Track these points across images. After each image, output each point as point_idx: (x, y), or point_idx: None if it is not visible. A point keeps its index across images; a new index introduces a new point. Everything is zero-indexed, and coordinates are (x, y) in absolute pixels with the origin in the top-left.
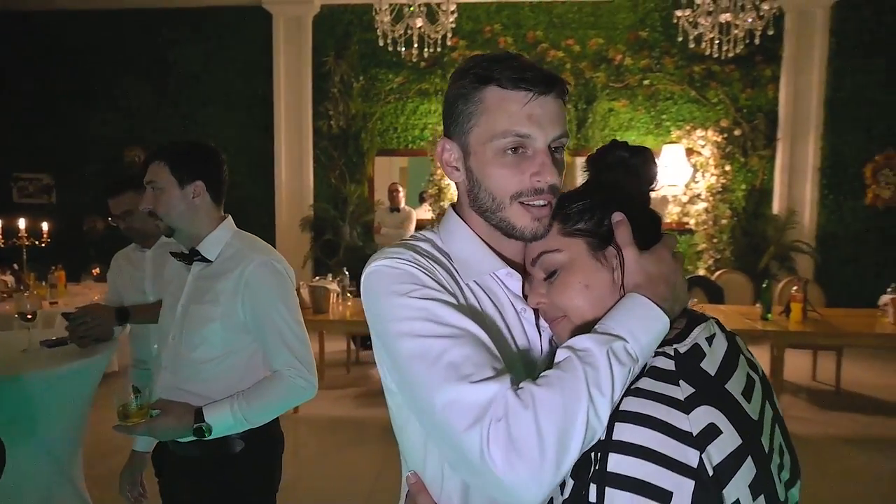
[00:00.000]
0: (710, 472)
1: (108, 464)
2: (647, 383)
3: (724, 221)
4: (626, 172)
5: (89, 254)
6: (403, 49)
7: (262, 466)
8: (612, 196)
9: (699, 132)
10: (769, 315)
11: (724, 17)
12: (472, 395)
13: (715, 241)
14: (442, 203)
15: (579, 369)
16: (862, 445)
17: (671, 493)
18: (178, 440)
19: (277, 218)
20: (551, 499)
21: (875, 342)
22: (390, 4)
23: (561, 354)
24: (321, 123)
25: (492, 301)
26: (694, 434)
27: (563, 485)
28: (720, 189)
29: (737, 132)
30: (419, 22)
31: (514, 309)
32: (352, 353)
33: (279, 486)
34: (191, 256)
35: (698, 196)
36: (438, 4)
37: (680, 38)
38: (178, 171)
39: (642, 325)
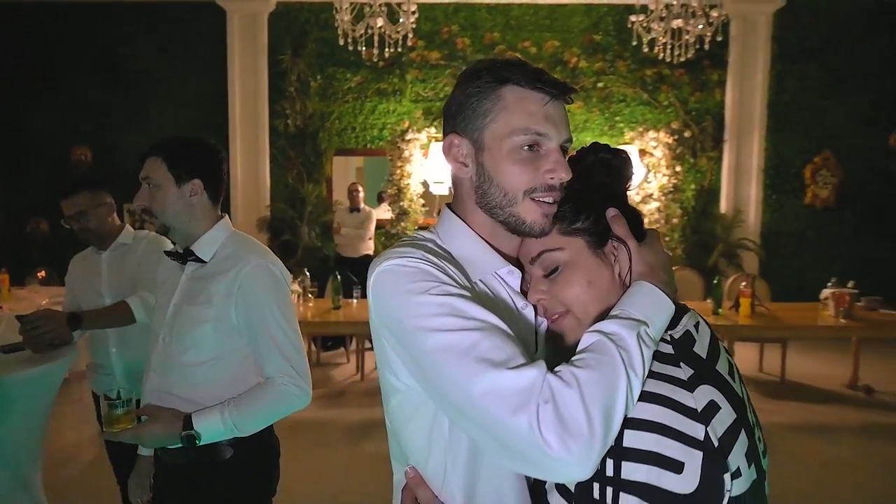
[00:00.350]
0: (716, 444)
1: (68, 471)
2: (654, 366)
3: (675, 220)
4: (608, 173)
5: (33, 256)
6: (364, 49)
7: (254, 473)
8: (602, 195)
9: (651, 134)
10: (720, 310)
11: (676, 23)
12: (511, 381)
13: (667, 239)
14: (402, 203)
15: (615, 352)
16: (806, 432)
17: (683, 464)
18: (166, 447)
19: (233, 218)
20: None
21: (817, 334)
22: (350, 3)
23: (590, 338)
24: (278, 122)
25: (498, 298)
26: (699, 410)
27: None
28: (671, 189)
29: (687, 134)
30: (380, 21)
31: (515, 305)
32: (312, 354)
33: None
34: (185, 256)
35: (651, 196)
36: (399, 4)
37: (634, 43)
38: (175, 168)
39: (655, 311)
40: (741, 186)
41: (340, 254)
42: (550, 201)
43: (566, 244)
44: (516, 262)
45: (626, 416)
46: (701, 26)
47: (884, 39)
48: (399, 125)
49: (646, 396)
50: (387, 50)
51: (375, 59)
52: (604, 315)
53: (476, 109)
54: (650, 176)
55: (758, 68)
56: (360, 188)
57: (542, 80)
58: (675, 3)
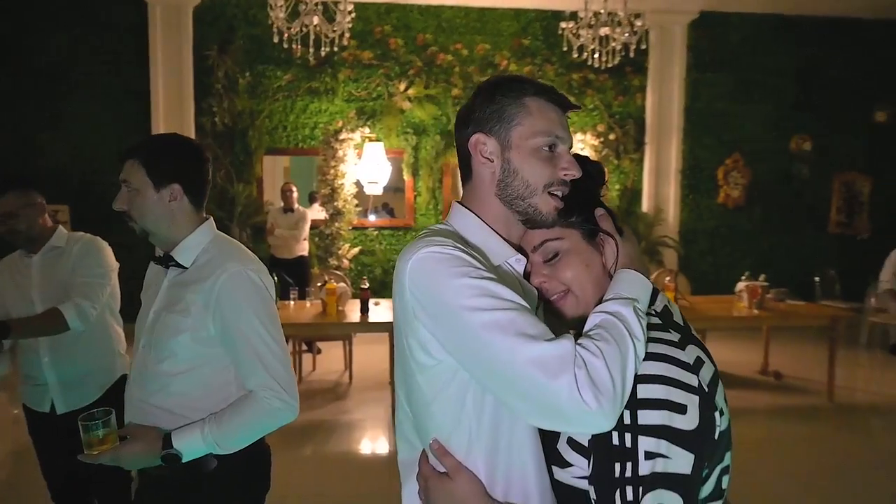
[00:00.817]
0: (706, 389)
1: None
2: (651, 333)
3: None
4: (589, 180)
5: None
6: (300, 47)
7: (241, 485)
8: (589, 197)
9: (579, 136)
10: None
11: (604, 31)
12: (551, 350)
13: None
14: (336, 203)
15: (621, 326)
16: None
17: (686, 406)
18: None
19: None
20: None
21: (733, 325)
22: (285, 0)
23: (598, 317)
24: (205, 120)
25: (512, 281)
26: (691, 364)
27: None
28: None
29: (611, 136)
30: (315, 20)
31: (523, 288)
32: None
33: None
34: (166, 261)
35: None
36: (336, 3)
37: (565, 48)
38: (153, 172)
39: (641, 291)
40: (661, 187)
41: (274, 255)
42: (561, 195)
43: (565, 234)
44: (519, 251)
45: (635, 373)
46: (626, 34)
47: (786, 52)
48: (332, 125)
49: (650, 356)
50: (323, 49)
51: (309, 58)
52: (597, 294)
53: (503, 113)
54: None
55: (674, 76)
56: (294, 188)
57: (556, 94)
58: (602, 11)
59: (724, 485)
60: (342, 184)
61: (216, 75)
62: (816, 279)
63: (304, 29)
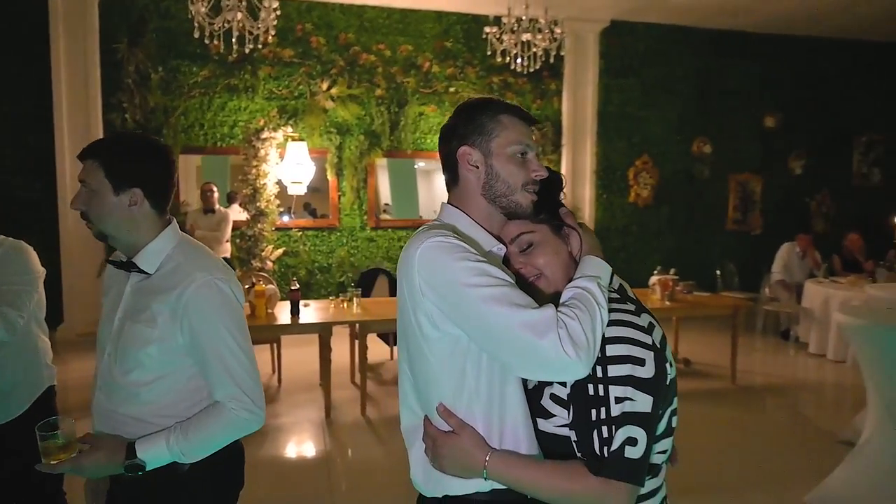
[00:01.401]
0: (659, 346)
1: None
2: (613, 305)
3: None
4: (553, 186)
5: None
6: (220, 43)
7: (215, 485)
8: (553, 198)
9: None
10: None
11: (526, 37)
12: (539, 316)
13: None
14: (258, 204)
15: (589, 297)
16: None
17: (645, 360)
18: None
19: (61, 224)
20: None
21: None
22: None
23: (571, 292)
24: (114, 116)
25: (499, 265)
26: (645, 327)
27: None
28: None
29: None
30: (239, 16)
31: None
32: None
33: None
34: (128, 266)
35: None
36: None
37: (489, 52)
38: (113, 175)
39: (602, 271)
40: (578, 187)
41: None
42: (533, 192)
43: (537, 228)
44: (500, 241)
45: (602, 333)
46: (548, 42)
47: (687, 61)
48: (253, 123)
49: (615, 322)
50: (247, 46)
51: (231, 54)
52: (565, 277)
53: (483, 128)
54: None
55: (588, 81)
56: (215, 188)
57: (522, 111)
58: (524, 18)
59: (674, 424)
60: (265, 184)
61: (126, 69)
62: (718, 272)
63: (227, 25)
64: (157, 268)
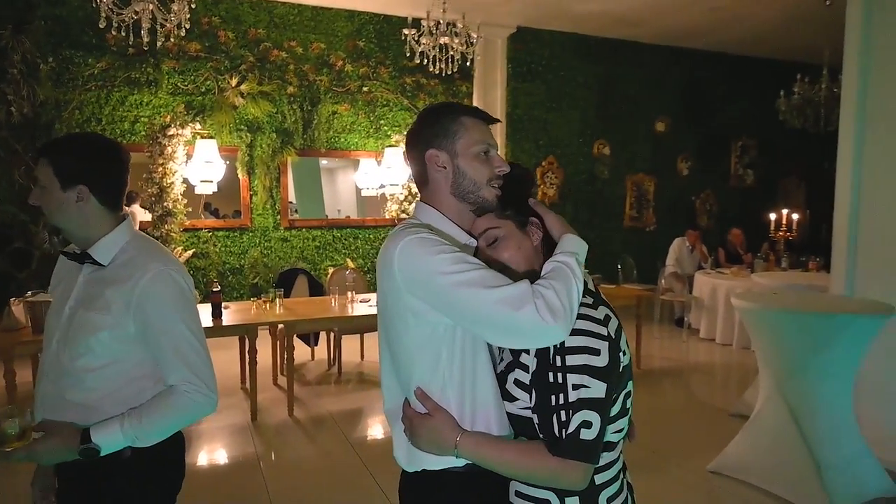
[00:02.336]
0: (614, 337)
1: None
2: None
3: None
4: (516, 181)
5: None
6: (132, 35)
7: (157, 472)
8: (518, 195)
9: None
10: None
11: (443, 40)
12: (513, 291)
13: None
14: (165, 204)
15: (566, 269)
16: None
17: (600, 350)
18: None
19: None
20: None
21: None
22: None
23: (549, 265)
24: None
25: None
26: (601, 319)
27: (528, 366)
28: None
29: None
30: (150, 6)
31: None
32: None
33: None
34: (82, 258)
35: (416, 194)
36: None
37: (407, 54)
38: (59, 172)
39: (580, 248)
40: None
41: None
42: (497, 187)
43: (502, 224)
44: (471, 235)
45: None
46: (465, 46)
47: (587, 67)
48: (157, 119)
49: (577, 316)
50: (158, 39)
51: (145, 47)
52: (527, 268)
53: (447, 131)
54: None
55: (497, 84)
56: None
57: (481, 112)
58: (441, 21)
59: (628, 405)
60: (171, 182)
61: (11, 59)
62: (619, 266)
63: (135, 16)
64: (110, 259)
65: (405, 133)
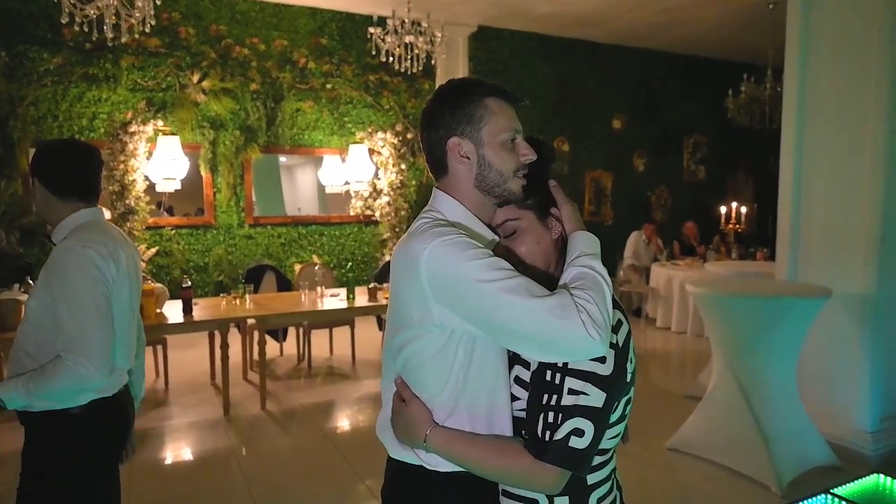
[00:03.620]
0: (621, 346)
1: None
2: None
3: (402, 213)
4: (539, 160)
5: None
6: (95, 31)
7: (103, 433)
8: (540, 178)
9: (379, 134)
10: None
11: (408, 39)
12: (557, 302)
13: (397, 230)
14: (127, 201)
15: (596, 275)
16: None
17: (606, 357)
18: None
19: None
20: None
21: None
22: None
23: (575, 270)
24: None
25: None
26: (613, 325)
27: (524, 365)
28: (399, 185)
29: (409, 135)
30: (113, 2)
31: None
32: None
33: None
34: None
35: (381, 191)
36: None
37: (373, 52)
38: (31, 171)
39: (596, 247)
40: None
41: None
42: (524, 176)
43: (522, 215)
44: (493, 230)
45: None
46: (429, 46)
47: (546, 66)
48: (118, 115)
49: None
50: (123, 35)
51: (110, 43)
52: (545, 263)
53: (472, 117)
54: (380, 173)
55: None
56: None
57: (507, 92)
58: (407, 20)
59: (627, 411)
60: (133, 180)
61: None
62: None
63: (98, 11)
64: (61, 240)
65: (369, 130)
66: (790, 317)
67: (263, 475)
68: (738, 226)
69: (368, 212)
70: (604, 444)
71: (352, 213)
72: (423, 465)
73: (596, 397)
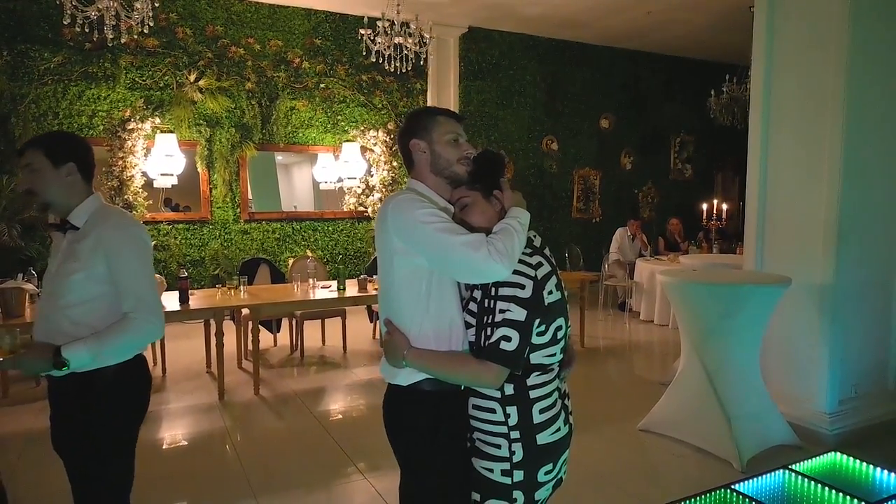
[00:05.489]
0: (538, 278)
1: None
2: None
3: None
4: (488, 163)
5: None
6: (96, 32)
7: (130, 393)
8: (493, 171)
9: (372, 133)
10: None
11: (398, 40)
12: (473, 238)
13: None
14: (125, 197)
15: (510, 228)
16: None
17: (525, 285)
18: (55, 375)
19: None
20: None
21: None
22: None
23: (499, 226)
24: None
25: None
26: (533, 264)
27: (474, 300)
28: (390, 181)
29: None
30: (114, 4)
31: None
32: None
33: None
34: (63, 226)
35: (373, 188)
36: None
37: (363, 53)
38: (51, 155)
39: (522, 216)
40: None
41: None
42: (466, 164)
43: (471, 194)
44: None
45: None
46: (419, 47)
47: (535, 67)
48: (116, 113)
49: None
50: (123, 37)
51: (109, 43)
52: (490, 227)
53: (426, 125)
54: (372, 170)
55: (450, 82)
56: None
57: (452, 112)
58: (396, 22)
59: (559, 336)
60: (132, 176)
61: None
62: (566, 255)
63: (99, 13)
64: (84, 222)
65: (362, 128)
66: (752, 303)
67: (256, 454)
68: (719, 222)
69: (361, 208)
70: (541, 360)
71: (345, 210)
72: (410, 385)
73: (518, 313)
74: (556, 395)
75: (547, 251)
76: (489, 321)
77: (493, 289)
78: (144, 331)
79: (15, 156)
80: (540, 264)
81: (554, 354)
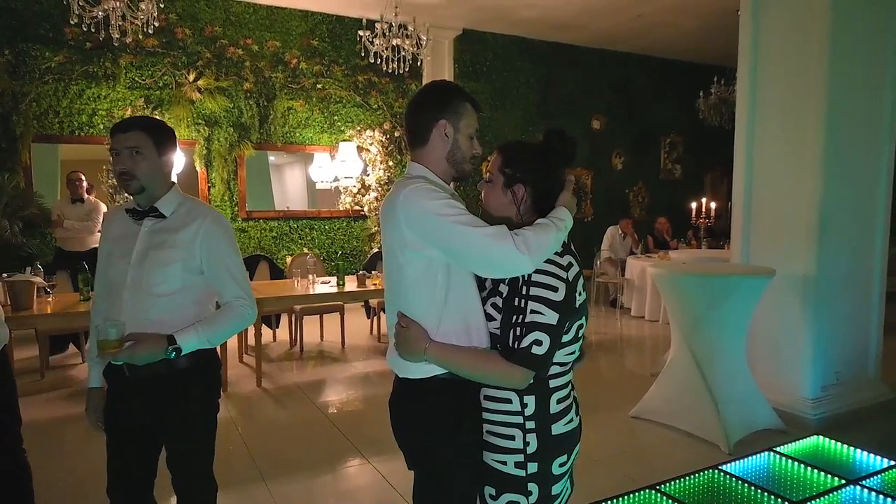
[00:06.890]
0: (570, 281)
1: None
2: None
3: None
4: (569, 141)
5: None
6: (103, 32)
7: (208, 375)
8: (569, 152)
9: (368, 132)
10: None
11: (396, 41)
12: (495, 230)
13: None
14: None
15: (547, 223)
16: None
17: (558, 288)
18: (134, 366)
19: None
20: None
21: None
22: None
23: (539, 220)
24: None
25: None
26: (564, 265)
27: (500, 294)
28: (386, 181)
29: (396, 133)
30: (119, 4)
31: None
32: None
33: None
34: (145, 214)
35: (369, 187)
36: None
37: (362, 54)
38: (157, 142)
39: (566, 216)
40: None
41: (63, 248)
42: (472, 163)
43: (496, 176)
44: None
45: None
46: (417, 49)
47: (528, 68)
48: (116, 112)
49: (545, 261)
50: (130, 37)
51: (115, 43)
52: (496, 212)
53: (457, 110)
54: (368, 169)
55: None
56: (84, 177)
57: (477, 103)
58: (393, 24)
59: (580, 334)
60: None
61: None
62: None
63: (104, 13)
64: (171, 212)
65: (358, 128)
66: (738, 294)
67: (261, 441)
68: (707, 220)
69: (357, 207)
70: (562, 359)
71: (341, 209)
72: (421, 378)
73: (550, 317)
74: (570, 385)
75: (572, 247)
76: (519, 321)
77: (524, 287)
78: (247, 317)
79: (113, 131)
80: (570, 265)
81: (574, 352)
